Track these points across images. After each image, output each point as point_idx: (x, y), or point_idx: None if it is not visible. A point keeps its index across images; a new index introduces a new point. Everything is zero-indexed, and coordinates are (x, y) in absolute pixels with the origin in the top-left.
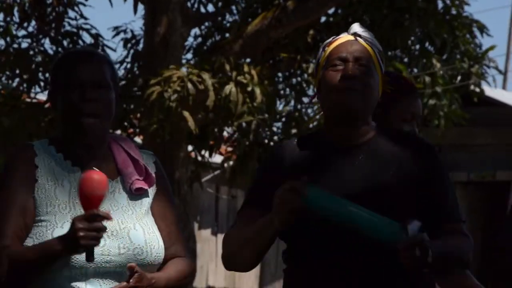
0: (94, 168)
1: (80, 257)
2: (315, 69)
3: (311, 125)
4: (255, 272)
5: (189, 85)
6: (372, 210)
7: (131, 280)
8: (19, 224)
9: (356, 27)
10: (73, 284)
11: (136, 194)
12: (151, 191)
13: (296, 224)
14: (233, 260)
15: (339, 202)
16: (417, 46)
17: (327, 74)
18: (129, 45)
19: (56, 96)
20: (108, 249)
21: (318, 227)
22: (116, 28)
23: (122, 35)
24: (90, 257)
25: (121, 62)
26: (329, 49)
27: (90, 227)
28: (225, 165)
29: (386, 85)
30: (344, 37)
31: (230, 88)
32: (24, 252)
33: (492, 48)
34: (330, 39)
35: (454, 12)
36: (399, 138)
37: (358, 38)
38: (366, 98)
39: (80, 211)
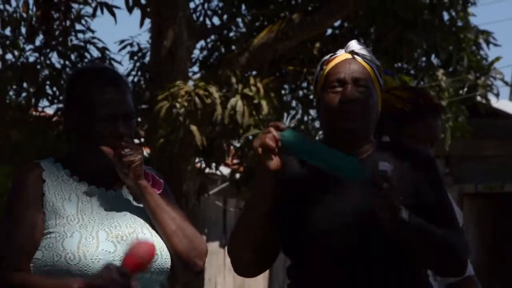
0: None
1: (93, 265)
2: (314, 86)
3: (317, 138)
4: (263, 284)
5: (197, 99)
6: (358, 224)
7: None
8: (28, 242)
9: (353, 45)
10: None
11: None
12: None
13: (299, 240)
14: (234, 259)
15: (310, 143)
16: (424, 58)
17: (326, 96)
18: (135, 58)
19: (76, 118)
20: (119, 254)
21: (321, 243)
22: (122, 41)
23: (128, 48)
24: None
25: (128, 75)
26: (327, 68)
27: (116, 279)
28: (233, 177)
29: (404, 103)
30: (342, 56)
31: (236, 100)
32: (41, 282)
33: (498, 59)
34: (328, 56)
35: (460, 24)
36: (397, 152)
37: (356, 56)
38: (365, 119)
39: (88, 221)
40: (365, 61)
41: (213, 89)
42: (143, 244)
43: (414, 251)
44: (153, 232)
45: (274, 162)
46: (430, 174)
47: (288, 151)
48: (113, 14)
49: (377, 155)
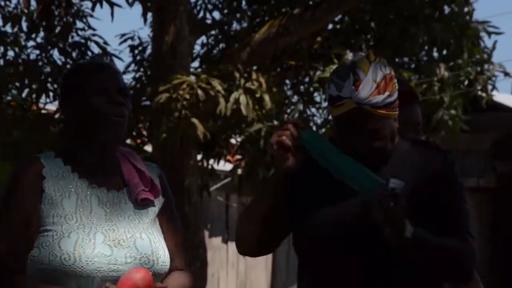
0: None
1: (88, 267)
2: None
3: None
4: (266, 279)
5: (199, 92)
6: (366, 229)
7: None
8: (20, 240)
9: (359, 94)
10: None
11: (141, 204)
12: (158, 202)
13: (309, 238)
14: (240, 236)
15: (328, 146)
16: (424, 53)
17: (348, 140)
18: (135, 51)
19: (72, 102)
20: (115, 258)
21: (331, 242)
22: (123, 35)
23: (129, 42)
24: None
25: (129, 70)
26: (336, 112)
27: None
28: (235, 172)
29: None
30: (347, 104)
31: (238, 94)
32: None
33: (494, 46)
34: (334, 94)
35: (461, 14)
36: (416, 147)
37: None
38: (390, 144)
39: (87, 222)
40: (372, 107)
41: (215, 82)
42: (140, 271)
43: (417, 263)
44: (152, 237)
45: (290, 160)
46: (445, 171)
47: (304, 150)
48: (111, 6)
49: (398, 151)
